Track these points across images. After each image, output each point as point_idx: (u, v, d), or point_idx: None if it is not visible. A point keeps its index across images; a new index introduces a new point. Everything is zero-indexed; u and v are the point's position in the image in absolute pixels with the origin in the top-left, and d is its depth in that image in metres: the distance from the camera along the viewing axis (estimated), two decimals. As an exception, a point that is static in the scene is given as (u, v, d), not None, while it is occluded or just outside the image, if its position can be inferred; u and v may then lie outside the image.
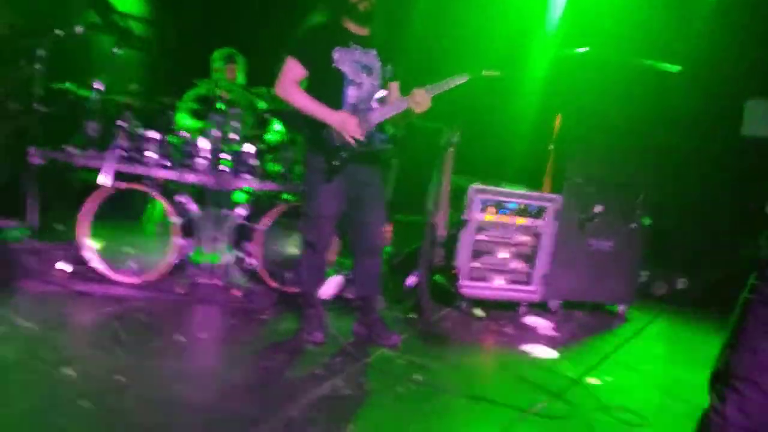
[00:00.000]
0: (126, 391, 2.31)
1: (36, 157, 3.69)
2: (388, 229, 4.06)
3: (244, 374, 2.65)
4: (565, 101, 4.29)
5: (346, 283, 3.79)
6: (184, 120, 4.13)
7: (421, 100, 2.88)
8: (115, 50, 3.87)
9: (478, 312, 3.95)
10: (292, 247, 3.77)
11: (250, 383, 2.57)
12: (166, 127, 3.77)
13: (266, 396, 2.47)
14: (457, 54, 5.11)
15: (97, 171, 3.57)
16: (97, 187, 3.48)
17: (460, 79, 2.94)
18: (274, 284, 3.72)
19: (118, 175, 3.53)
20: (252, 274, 3.78)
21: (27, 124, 3.96)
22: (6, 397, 2.15)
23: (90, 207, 3.47)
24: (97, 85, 3.71)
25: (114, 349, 2.68)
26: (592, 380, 3.15)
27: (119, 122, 3.61)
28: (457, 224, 3.96)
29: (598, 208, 4.17)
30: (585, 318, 4.32)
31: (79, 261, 3.49)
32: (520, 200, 4.03)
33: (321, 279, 3.36)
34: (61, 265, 3.49)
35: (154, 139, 3.65)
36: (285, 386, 2.59)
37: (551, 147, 4.30)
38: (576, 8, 5.31)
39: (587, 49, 4.19)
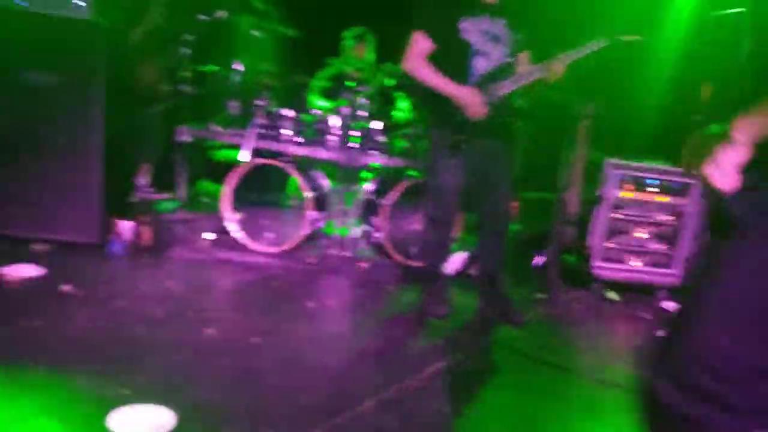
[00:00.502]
0: (261, 352, 2.44)
1: (184, 135, 3.99)
2: (514, 206, 3.93)
3: (369, 342, 2.70)
4: (712, 68, 3.86)
5: (470, 259, 3.72)
6: (316, 100, 4.26)
7: (557, 68, 2.74)
8: (254, 32, 4.06)
9: (612, 295, 3.71)
10: (416, 222, 3.77)
11: (374, 351, 2.61)
12: (300, 105, 3.92)
13: (390, 364, 2.50)
14: (590, 19, 4.78)
15: (237, 147, 3.80)
16: (238, 162, 3.70)
17: (598, 45, 2.75)
18: (399, 258, 3.75)
19: (256, 152, 3.73)
20: (378, 248, 3.83)
21: (176, 105, 4.29)
22: (156, 350, 2.35)
23: (231, 181, 3.70)
24: (238, 66, 3.92)
25: (251, 312, 2.84)
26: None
27: (258, 101, 3.79)
28: (591, 201, 3.73)
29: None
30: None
31: (221, 231, 3.74)
32: (661, 176, 3.71)
33: (445, 254, 3.32)
34: (206, 235, 3.76)
35: (289, 117, 3.80)
36: (408, 356, 2.60)
37: (697, 119, 3.90)
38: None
39: (741, 9, 3.73)
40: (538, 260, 3.88)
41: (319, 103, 4.22)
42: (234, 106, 3.92)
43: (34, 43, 3.10)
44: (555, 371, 2.62)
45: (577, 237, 3.84)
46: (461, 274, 3.69)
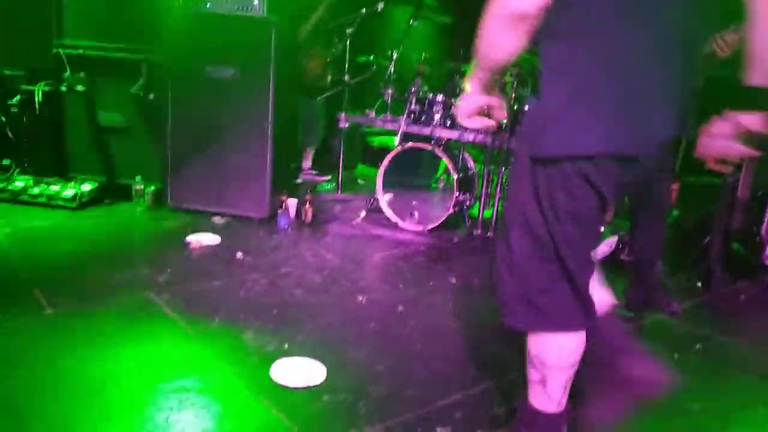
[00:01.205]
0: (405, 320, 2.56)
1: (343, 121, 4.23)
2: (674, 188, 3.64)
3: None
4: None
5: (620, 244, 3.53)
6: (468, 85, 4.27)
7: (728, 42, 2.50)
8: (412, 22, 4.17)
9: (787, 288, 3.31)
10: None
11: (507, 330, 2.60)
12: (453, 90, 3.96)
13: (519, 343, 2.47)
14: None
15: (392, 133, 3.95)
16: (392, 146, 3.85)
17: None
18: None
19: (409, 136, 3.86)
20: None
21: (337, 94, 4.56)
22: (313, 312, 2.56)
23: (385, 164, 3.86)
24: (394, 55, 4.06)
25: (398, 283, 2.97)
26: None
27: (411, 88, 3.91)
28: (765, 186, 3.34)
29: None
30: None
31: (375, 209, 3.93)
32: None
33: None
34: (360, 213, 3.97)
35: (440, 102, 3.87)
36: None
37: None
38: None
39: None
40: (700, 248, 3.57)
41: (469, 88, 4.23)
42: (389, 94, 4.07)
43: (216, 41, 3.48)
44: (709, 363, 2.42)
45: (747, 224, 3.46)
46: (609, 259, 3.51)
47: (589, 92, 1.26)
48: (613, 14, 1.22)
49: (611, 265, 3.44)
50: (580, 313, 1.44)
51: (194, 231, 3.38)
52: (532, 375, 1.52)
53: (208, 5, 3.52)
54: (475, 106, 1.52)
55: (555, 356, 1.47)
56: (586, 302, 1.44)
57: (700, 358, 2.45)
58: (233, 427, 1.77)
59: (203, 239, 3.28)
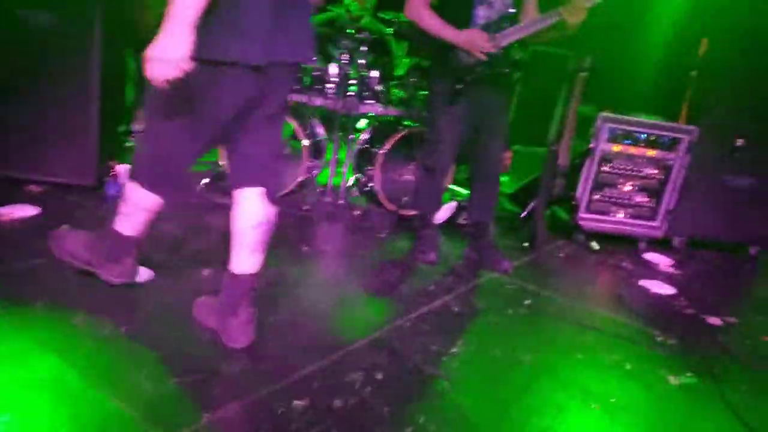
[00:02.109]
0: (255, 292, 2.44)
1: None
2: (507, 156, 3.89)
3: (361, 285, 2.71)
4: (710, 23, 3.77)
5: (459, 209, 3.71)
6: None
7: (578, 11, 2.62)
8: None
9: (594, 245, 3.73)
10: (410, 173, 3.74)
11: (367, 293, 2.63)
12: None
13: (381, 306, 2.52)
14: None
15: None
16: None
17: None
18: (392, 207, 3.73)
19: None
20: (372, 196, 3.81)
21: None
22: (152, 289, 2.35)
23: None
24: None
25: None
26: (711, 319, 2.89)
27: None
28: (581, 154, 3.70)
29: (739, 142, 3.71)
30: (711, 257, 3.95)
31: (218, 177, 3.69)
32: (652, 131, 3.67)
33: (437, 204, 3.30)
34: (204, 180, 3.72)
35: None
36: (398, 299, 2.62)
37: (693, 74, 3.83)
38: None
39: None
40: (526, 211, 3.88)
41: None
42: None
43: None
44: (536, 315, 2.65)
45: (565, 189, 3.83)
46: (449, 223, 3.68)
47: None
48: None
49: (451, 228, 3.63)
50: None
51: (6, 202, 2.91)
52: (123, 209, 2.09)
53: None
54: (180, 69, 1.61)
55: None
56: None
57: (530, 313, 2.67)
58: (67, 421, 1.56)
59: (17, 211, 2.84)
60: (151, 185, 2.00)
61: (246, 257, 2.04)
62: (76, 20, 3.03)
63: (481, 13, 2.80)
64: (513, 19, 2.82)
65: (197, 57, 1.60)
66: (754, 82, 3.66)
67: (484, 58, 2.74)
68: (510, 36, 2.77)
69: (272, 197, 2.03)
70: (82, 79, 3.09)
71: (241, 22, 1.68)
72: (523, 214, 3.89)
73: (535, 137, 4.33)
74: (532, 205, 3.75)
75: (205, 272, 2.55)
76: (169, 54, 1.57)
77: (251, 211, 2.00)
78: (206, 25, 1.61)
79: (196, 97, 1.78)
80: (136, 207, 2.06)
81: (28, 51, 3.03)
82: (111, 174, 3.30)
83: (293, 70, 1.95)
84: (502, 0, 2.80)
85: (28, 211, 2.88)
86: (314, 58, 1.79)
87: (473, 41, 2.72)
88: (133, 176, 2.03)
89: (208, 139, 1.93)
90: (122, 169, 3.34)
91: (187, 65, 1.59)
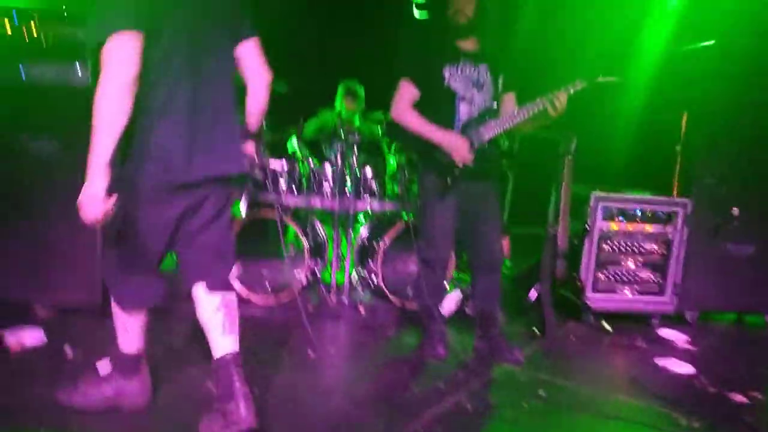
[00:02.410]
0: (263, 402, 2.37)
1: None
2: (505, 243, 3.90)
3: (370, 388, 2.63)
4: (689, 98, 3.90)
5: (465, 298, 3.68)
6: (292, 145, 4.27)
7: (561, 102, 2.71)
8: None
9: (606, 325, 3.66)
10: (411, 265, 3.74)
11: (375, 396, 2.55)
12: (292, 155, 3.93)
13: (391, 409, 2.43)
14: (569, 59, 4.83)
15: (236, 202, 3.78)
16: (237, 216, 3.68)
17: (576, 86, 2.76)
18: (396, 301, 3.70)
19: (254, 205, 3.72)
20: (375, 292, 3.79)
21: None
22: (162, 403, 2.28)
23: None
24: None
25: (252, 363, 2.78)
26: (736, 397, 2.78)
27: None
28: (579, 234, 3.71)
29: (735, 211, 3.72)
30: (726, 330, 3.86)
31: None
32: (646, 206, 3.70)
33: (440, 295, 3.28)
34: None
35: (284, 170, 3.80)
36: (409, 400, 2.53)
37: (678, 148, 3.92)
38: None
39: (711, 42, 3.80)
40: (532, 294, 3.84)
41: (293, 147, 4.22)
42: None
43: (34, 113, 3.11)
44: (553, 407, 2.55)
45: (568, 270, 3.81)
46: (457, 314, 3.64)
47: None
48: (171, 77, 1.84)
49: (459, 320, 3.57)
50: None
51: (12, 324, 2.90)
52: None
53: (23, 75, 3.14)
54: (104, 206, 1.74)
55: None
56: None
57: (546, 404, 2.58)
58: None
59: (24, 337, 2.82)
60: (123, 302, 2.14)
61: (220, 340, 2.11)
62: (79, 145, 3.13)
63: (463, 109, 2.90)
64: (495, 114, 2.92)
65: (116, 188, 1.76)
66: (741, 150, 3.74)
67: (466, 163, 2.82)
68: (492, 129, 2.86)
69: (223, 284, 2.17)
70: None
71: (153, 147, 1.84)
72: (528, 299, 3.84)
73: (533, 218, 4.37)
74: (536, 288, 3.72)
75: (210, 384, 2.49)
76: (90, 193, 1.72)
77: (206, 302, 2.12)
78: (124, 156, 1.81)
79: (127, 224, 1.92)
80: (125, 322, 2.18)
81: (33, 177, 3.13)
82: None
83: (224, 181, 2.08)
84: (483, 96, 2.91)
85: (34, 335, 2.85)
86: (241, 168, 1.96)
87: (455, 148, 2.82)
88: (110, 296, 2.17)
89: (156, 255, 2.07)
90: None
91: (107, 201, 1.73)
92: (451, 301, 3.62)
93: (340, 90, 4.62)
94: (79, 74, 3.18)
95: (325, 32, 5.69)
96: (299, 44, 5.37)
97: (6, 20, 3.11)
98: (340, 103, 4.59)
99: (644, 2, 5.21)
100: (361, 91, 4.60)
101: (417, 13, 5.41)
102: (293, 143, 4.28)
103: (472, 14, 2.84)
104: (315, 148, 4.45)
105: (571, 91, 2.75)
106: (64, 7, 3.18)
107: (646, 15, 5.21)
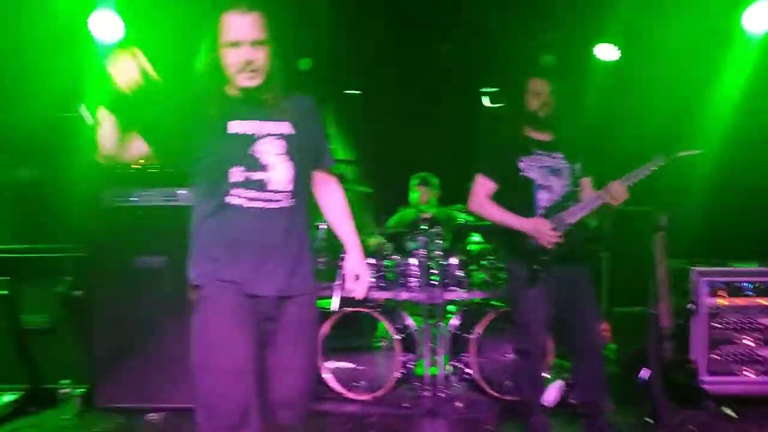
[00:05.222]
0: None
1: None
2: (604, 327, 3.69)
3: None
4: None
5: (567, 387, 3.46)
6: (370, 239, 4.33)
7: (617, 193, 2.69)
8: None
9: (729, 412, 3.29)
10: (507, 353, 3.61)
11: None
12: (381, 252, 3.99)
13: None
14: (646, 136, 4.58)
15: (328, 299, 3.86)
16: (329, 312, 3.74)
17: (656, 164, 2.69)
18: (493, 393, 3.55)
19: (344, 300, 3.78)
20: (471, 384, 3.66)
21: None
22: None
23: (323, 330, 3.73)
24: (322, 225, 4.11)
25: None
26: None
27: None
28: (684, 313, 3.45)
29: None
30: None
31: (318, 381, 3.71)
32: (756, 278, 3.41)
33: (539, 386, 3.11)
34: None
35: (372, 264, 3.86)
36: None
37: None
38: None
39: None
40: (644, 375, 3.54)
41: (371, 242, 4.25)
42: (322, 262, 4.05)
43: (144, 233, 3.40)
44: None
45: (676, 351, 3.52)
46: (560, 404, 3.42)
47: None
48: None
49: (563, 410, 3.35)
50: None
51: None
52: None
53: (133, 199, 3.47)
54: None
55: None
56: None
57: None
58: None
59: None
60: None
61: None
62: (185, 259, 3.38)
63: (543, 197, 2.87)
64: (574, 197, 2.87)
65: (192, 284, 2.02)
66: None
67: (551, 246, 2.76)
68: (575, 215, 2.81)
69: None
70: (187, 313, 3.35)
71: (208, 249, 2.03)
72: (641, 377, 3.55)
73: (637, 296, 4.11)
74: (644, 373, 3.44)
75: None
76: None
77: None
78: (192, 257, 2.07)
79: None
80: None
81: (144, 292, 3.37)
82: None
83: (296, 302, 2.00)
84: (561, 182, 2.88)
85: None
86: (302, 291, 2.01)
87: (539, 230, 2.78)
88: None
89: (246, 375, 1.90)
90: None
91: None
92: (553, 391, 3.42)
93: (413, 182, 4.69)
94: (180, 193, 3.45)
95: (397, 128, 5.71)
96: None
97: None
98: (415, 195, 4.66)
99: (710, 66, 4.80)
100: (435, 180, 4.67)
101: (487, 101, 5.53)
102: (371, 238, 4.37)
103: (549, 107, 2.89)
104: (397, 240, 4.51)
105: (653, 169, 2.68)
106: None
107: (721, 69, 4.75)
